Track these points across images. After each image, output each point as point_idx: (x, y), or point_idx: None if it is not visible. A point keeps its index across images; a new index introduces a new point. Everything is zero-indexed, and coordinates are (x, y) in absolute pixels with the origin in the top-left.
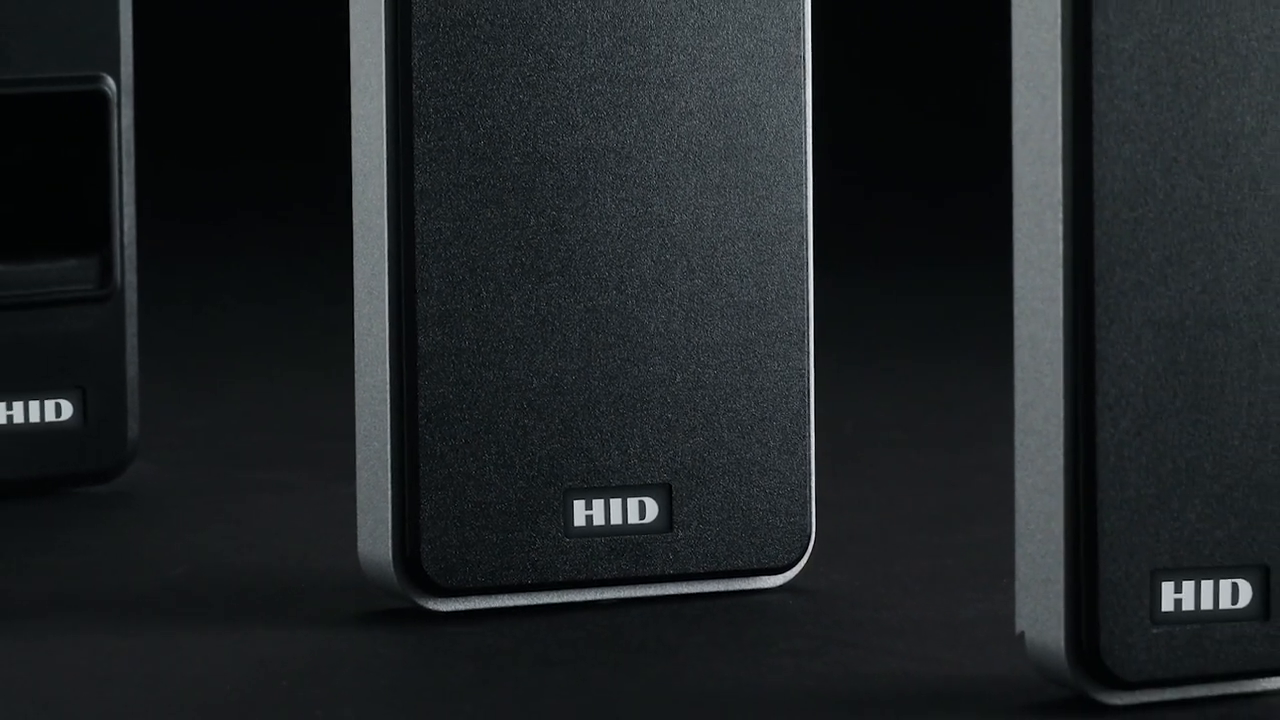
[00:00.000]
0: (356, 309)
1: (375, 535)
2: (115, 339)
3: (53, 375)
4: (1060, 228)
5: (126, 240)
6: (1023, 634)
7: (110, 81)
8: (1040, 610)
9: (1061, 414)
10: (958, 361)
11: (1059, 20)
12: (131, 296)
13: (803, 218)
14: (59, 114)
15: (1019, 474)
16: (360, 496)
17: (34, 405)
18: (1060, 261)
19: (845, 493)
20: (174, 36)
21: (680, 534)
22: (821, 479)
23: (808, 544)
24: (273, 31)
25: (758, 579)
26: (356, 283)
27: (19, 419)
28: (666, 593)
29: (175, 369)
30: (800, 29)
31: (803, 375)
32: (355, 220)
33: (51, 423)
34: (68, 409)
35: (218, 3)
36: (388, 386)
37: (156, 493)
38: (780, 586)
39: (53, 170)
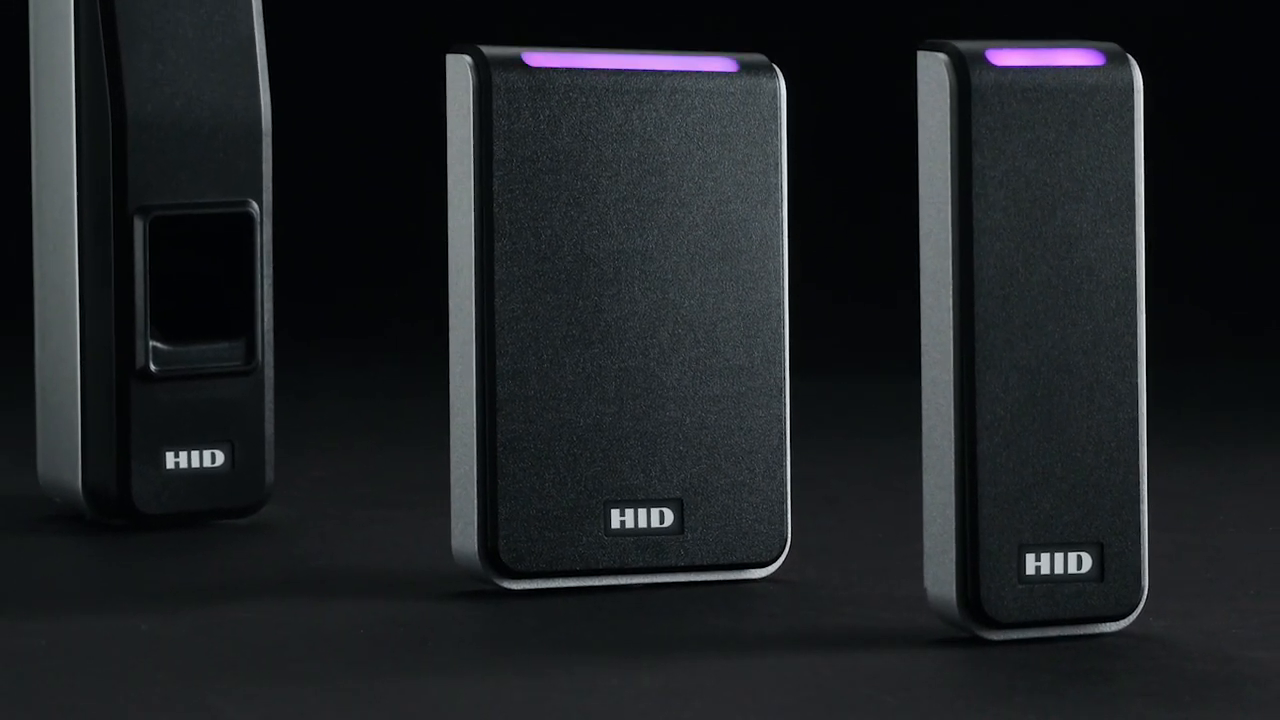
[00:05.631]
0: (451, 367)
1: (465, 534)
2: (257, 405)
3: (208, 431)
4: (951, 300)
5: (266, 328)
6: (927, 590)
7: (255, 205)
8: (939, 573)
9: (953, 432)
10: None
11: (949, 155)
12: (269, 372)
13: (781, 303)
14: (216, 230)
15: (925, 476)
16: (453, 505)
17: (194, 454)
18: (951, 324)
19: (821, 523)
20: (305, 171)
21: (689, 536)
22: (805, 516)
23: (785, 545)
24: (384, 170)
25: (747, 571)
26: (451, 349)
27: (183, 465)
28: (678, 580)
29: (303, 434)
30: (779, 164)
31: (781, 420)
32: (450, 304)
33: (207, 468)
34: (219, 458)
35: (338, 145)
36: (474, 424)
37: (289, 523)
38: (764, 578)
39: (211, 273)
